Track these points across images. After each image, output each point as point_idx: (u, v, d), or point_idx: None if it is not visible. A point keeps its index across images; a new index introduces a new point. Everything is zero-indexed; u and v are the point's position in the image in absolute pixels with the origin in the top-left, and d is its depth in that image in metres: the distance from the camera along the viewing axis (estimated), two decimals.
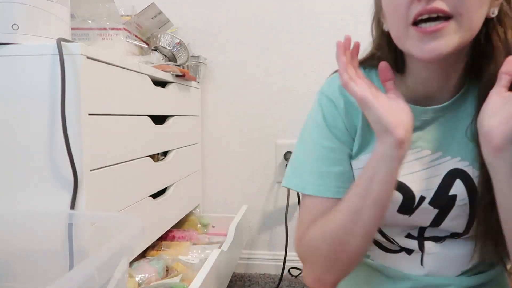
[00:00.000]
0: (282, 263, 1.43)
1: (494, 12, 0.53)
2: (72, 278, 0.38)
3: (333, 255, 0.57)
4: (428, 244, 0.64)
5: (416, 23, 0.51)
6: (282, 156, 1.51)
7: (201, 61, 1.47)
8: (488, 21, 0.54)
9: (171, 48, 1.24)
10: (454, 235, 0.63)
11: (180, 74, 1.20)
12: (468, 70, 0.59)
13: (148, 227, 0.99)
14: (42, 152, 0.70)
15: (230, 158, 1.57)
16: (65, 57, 0.67)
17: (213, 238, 1.34)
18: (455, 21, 0.49)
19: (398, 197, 0.61)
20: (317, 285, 0.60)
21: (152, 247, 1.16)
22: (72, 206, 0.69)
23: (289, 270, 1.51)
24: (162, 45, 1.22)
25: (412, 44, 0.52)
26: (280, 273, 1.43)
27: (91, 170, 0.72)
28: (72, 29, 0.85)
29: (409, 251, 0.65)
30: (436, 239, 0.64)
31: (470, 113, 0.59)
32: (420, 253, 0.64)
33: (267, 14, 1.50)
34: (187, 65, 1.43)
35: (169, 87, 1.17)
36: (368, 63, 0.66)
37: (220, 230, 1.44)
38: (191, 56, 1.41)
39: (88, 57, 0.71)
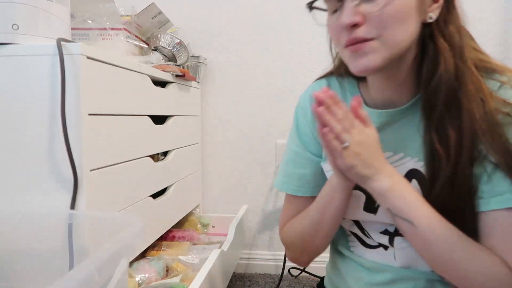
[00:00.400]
0: (282, 263, 1.43)
1: (432, 17, 0.57)
2: (72, 278, 0.38)
3: (303, 247, 0.72)
4: (397, 240, 0.67)
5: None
6: (282, 156, 1.51)
7: (201, 61, 1.47)
8: (429, 26, 0.58)
9: (171, 48, 1.24)
10: None
11: (180, 74, 1.20)
12: (421, 76, 0.62)
13: (148, 227, 0.99)
14: (42, 152, 0.70)
15: (230, 158, 1.57)
16: (65, 57, 0.67)
17: (213, 238, 1.34)
18: (376, 41, 0.55)
19: (362, 196, 0.67)
20: (296, 262, 0.78)
21: (152, 247, 1.16)
22: (72, 206, 0.69)
23: (289, 270, 1.51)
24: (162, 45, 1.22)
25: (348, 62, 0.60)
26: (280, 273, 1.43)
27: (91, 170, 0.72)
28: (72, 29, 0.85)
29: (385, 247, 0.69)
30: None
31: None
32: (393, 248, 0.68)
33: (267, 14, 1.50)
34: (187, 65, 1.43)
35: (169, 87, 1.17)
36: (338, 72, 0.74)
37: (220, 230, 1.44)
38: (191, 56, 1.41)
39: (88, 57, 0.71)
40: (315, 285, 0.91)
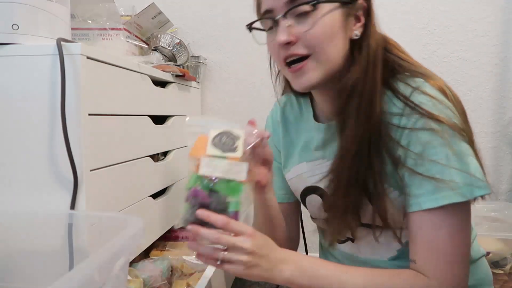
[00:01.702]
0: None
1: (357, 34, 0.63)
2: (72, 278, 0.38)
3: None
4: (359, 232, 0.71)
5: (288, 63, 0.63)
6: None
7: (201, 61, 1.47)
8: (355, 42, 0.64)
9: (171, 48, 1.24)
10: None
11: (180, 74, 1.20)
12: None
13: (148, 227, 0.99)
14: (42, 152, 0.70)
15: None
16: (65, 57, 0.67)
17: None
18: (312, 58, 0.61)
19: (319, 199, 0.74)
20: None
21: (156, 247, 1.16)
22: (72, 206, 0.69)
23: None
24: (162, 45, 1.22)
25: (290, 80, 0.66)
26: None
27: (91, 170, 0.72)
28: (72, 29, 0.85)
29: (352, 240, 0.74)
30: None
31: None
32: (357, 240, 0.73)
33: None
34: (187, 65, 1.43)
35: (169, 87, 1.17)
36: (286, 91, 0.83)
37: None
38: (191, 56, 1.41)
39: (88, 57, 0.71)
40: None
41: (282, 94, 0.85)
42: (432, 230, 0.58)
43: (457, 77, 1.44)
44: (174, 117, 1.19)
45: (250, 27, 0.67)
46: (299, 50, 0.61)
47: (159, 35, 1.23)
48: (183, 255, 1.11)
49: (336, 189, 0.66)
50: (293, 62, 0.62)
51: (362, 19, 0.64)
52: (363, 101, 0.62)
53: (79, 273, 0.40)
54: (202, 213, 0.56)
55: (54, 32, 0.72)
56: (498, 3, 1.42)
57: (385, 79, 0.63)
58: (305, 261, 0.61)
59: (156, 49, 1.22)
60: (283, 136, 0.82)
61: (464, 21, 1.44)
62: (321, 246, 0.87)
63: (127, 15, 1.16)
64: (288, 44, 0.61)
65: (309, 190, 0.76)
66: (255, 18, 0.67)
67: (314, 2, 0.59)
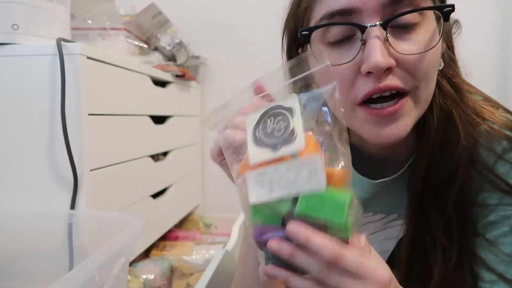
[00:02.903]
0: None
1: (441, 64, 0.46)
2: (72, 278, 0.38)
3: None
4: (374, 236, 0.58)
5: (368, 100, 0.42)
6: None
7: (201, 61, 1.47)
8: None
9: (171, 48, 1.24)
10: None
11: (180, 74, 1.20)
12: (418, 133, 0.50)
13: (148, 227, 0.99)
14: (42, 152, 0.70)
15: None
16: (65, 57, 0.67)
17: (216, 238, 1.34)
18: (411, 96, 0.42)
19: None
20: None
21: (155, 247, 1.16)
22: (72, 206, 0.69)
23: None
24: (162, 45, 1.22)
25: (363, 127, 0.44)
26: None
27: (91, 170, 0.72)
28: (72, 29, 0.85)
29: None
30: None
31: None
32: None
33: (267, 14, 1.50)
34: (187, 65, 1.43)
35: (169, 87, 1.17)
36: None
37: (223, 230, 1.44)
38: (191, 56, 1.41)
39: (88, 57, 0.71)
40: None
41: None
42: None
43: None
44: (174, 117, 1.19)
45: (308, 35, 0.43)
46: (397, 82, 0.40)
47: (159, 35, 1.23)
48: (183, 255, 1.11)
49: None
50: (381, 99, 0.41)
51: (446, 42, 0.46)
52: (460, 171, 0.45)
53: (79, 273, 0.40)
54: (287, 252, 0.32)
55: (54, 32, 0.72)
56: (498, 3, 1.42)
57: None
58: None
59: (156, 49, 1.22)
60: None
61: (464, 21, 1.44)
62: None
63: (127, 15, 1.15)
64: (386, 70, 0.40)
65: None
66: (287, 17, 0.47)
67: (449, 7, 0.38)
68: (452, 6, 0.39)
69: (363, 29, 0.39)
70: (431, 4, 0.40)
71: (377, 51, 0.38)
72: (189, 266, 1.06)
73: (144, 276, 0.91)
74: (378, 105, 0.41)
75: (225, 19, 1.53)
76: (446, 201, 0.47)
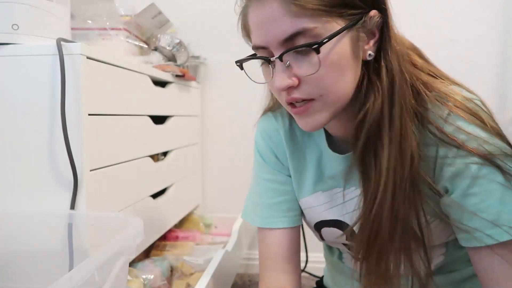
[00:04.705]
0: None
1: (371, 54, 0.54)
2: (72, 278, 0.38)
3: None
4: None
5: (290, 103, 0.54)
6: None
7: (201, 61, 1.47)
8: (370, 63, 0.55)
9: (171, 48, 1.24)
10: None
11: (180, 74, 1.20)
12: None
13: (148, 227, 0.99)
14: (42, 152, 0.70)
15: (230, 158, 1.57)
16: (65, 57, 0.67)
17: (216, 239, 1.34)
18: (318, 101, 0.53)
19: (339, 232, 0.66)
20: None
21: (156, 247, 1.16)
22: (72, 206, 0.69)
23: None
24: (162, 45, 1.22)
25: (295, 118, 0.57)
26: None
27: (91, 170, 0.72)
28: (72, 29, 0.85)
29: None
30: None
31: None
32: None
33: None
34: (187, 65, 1.43)
35: (169, 87, 1.17)
36: (276, 108, 0.71)
37: (223, 230, 1.44)
38: (191, 56, 1.41)
39: (88, 57, 0.71)
40: (314, 284, 0.91)
41: (270, 109, 0.73)
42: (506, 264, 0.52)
43: (457, 78, 1.44)
44: (174, 117, 1.19)
45: (241, 64, 0.58)
46: (303, 95, 0.52)
47: (159, 35, 1.23)
48: (183, 255, 1.11)
49: (377, 234, 0.56)
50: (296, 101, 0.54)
51: (377, 33, 0.54)
52: (385, 134, 0.54)
53: (79, 273, 0.40)
54: None
55: (54, 32, 0.72)
56: (498, 3, 1.42)
57: (413, 103, 0.55)
58: None
59: (156, 49, 1.22)
60: (290, 157, 0.70)
61: (464, 21, 1.44)
62: (329, 262, 0.82)
63: (127, 15, 1.16)
64: (290, 88, 0.52)
65: (328, 223, 0.68)
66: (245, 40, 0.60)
67: (316, 44, 0.48)
68: (320, 42, 0.49)
69: (269, 61, 0.52)
70: (319, 27, 0.50)
71: (276, 78, 0.52)
72: (189, 266, 1.06)
73: (144, 276, 0.91)
74: (297, 104, 0.54)
75: (225, 19, 1.53)
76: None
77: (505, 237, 0.51)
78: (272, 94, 0.71)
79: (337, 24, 0.50)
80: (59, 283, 0.37)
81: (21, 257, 0.66)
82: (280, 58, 0.51)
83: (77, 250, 0.66)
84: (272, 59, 0.52)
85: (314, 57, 0.50)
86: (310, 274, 1.48)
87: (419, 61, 0.61)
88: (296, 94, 0.52)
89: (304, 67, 0.51)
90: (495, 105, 1.44)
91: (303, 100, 0.53)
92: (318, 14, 0.49)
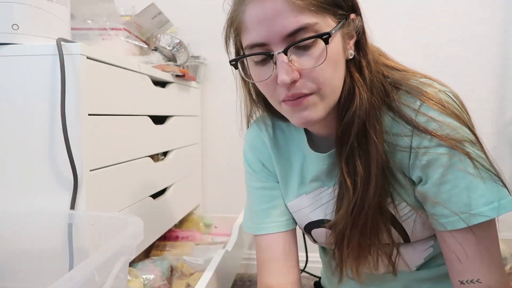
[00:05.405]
0: None
1: (352, 53, 0.58)
2: (72, 278, 0.38)
3: None
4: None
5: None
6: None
7: (201, 61, 1.47)
8: (350, 62, 0.58)
9: (171, 48, 1.24)
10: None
11: (180, 74, 1.20)
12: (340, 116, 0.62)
13: (148, 227, 0.99)
14: (42, 152, 0.70)
15: (230, 158, 1.57)
16: (65, 57, 0.67)
17: (216, 238, 1.34)
18: (316, 95, 0.55)
19: (328, 231, 0.68)
20: None
21: (156, 247, 1.16)
22: (72, 206, 0.69)
23: None
24: (162, 45, 1.22)
25: (287, 115, 0.59)
26: None
27: (91, 170, 0.72)
28: (72, 29, 0.85)
29: None
30: None
31: None
32: None
33: None
34: (187, 65, 1.43)
35: (169, 87, 1.17)
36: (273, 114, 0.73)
37: (223, 230, 1.44)
38: (191, 56, 1.41)
39: (88, 57, 0.71)
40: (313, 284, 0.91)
41: (248, 120, 0.79)
42: (477, 245, 0.56)
43: (457, 78, 1.44)
44: (174, 117, 1.19)
45: (236, 63, 0.59)
46: (304, 89, 0.54)
47: (159, 35, 1.23)
48: (183, 255, 1.11)
49: (354, 224, 0.61)
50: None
51: (355, 35, 0.58)
52: (371, 127, 0.57)
53: (79, 273, 0.40)
54: None
55: (54, 32, 0.72)
56: (498, 3, 1.42)
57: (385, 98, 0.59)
58: None
59: (156, 49, 1.22)
60: (276, 163, 0.74)
61: (464, 21, 1.44)
62: (324, 263, 0.84)
63: (127, 15, 1.16)
64: (292, 83, 0.53)
65: (316, 224, 0.70)
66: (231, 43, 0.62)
67: (327, 34, 0.51)
68: (329, 33, 0.52)
69: (271, 56, 0.53)
70: (320, 23, 0.52)
71: (282, 72, 0.52)
72: (189, 266, 1.06)
73: (144, 276, 0.91)
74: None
75: (225, 20, 1.53)
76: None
77: (473, 221, 0.54)
78: (249, 99, 0.75)
79: (332, 22, 0.54)
80: (59, 283, 0.37)
81: (21, 257, 0.66)
82: (285, 52, 0.52)
83: (77, 250, 0.66)
84: (276, 53, 0.53)
85: (317, 50, 0.52)
86: (310, 274, 1.49)
87: (390, 60, 0.65)
88: (297, 90, 0.54)
89: (308, 60, 0.53)
90: (495, 105, 1.44)
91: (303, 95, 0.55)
92: (319, 11, 0.52)
